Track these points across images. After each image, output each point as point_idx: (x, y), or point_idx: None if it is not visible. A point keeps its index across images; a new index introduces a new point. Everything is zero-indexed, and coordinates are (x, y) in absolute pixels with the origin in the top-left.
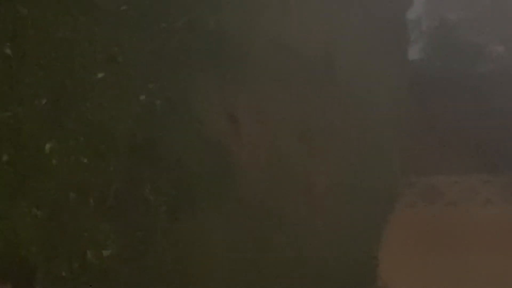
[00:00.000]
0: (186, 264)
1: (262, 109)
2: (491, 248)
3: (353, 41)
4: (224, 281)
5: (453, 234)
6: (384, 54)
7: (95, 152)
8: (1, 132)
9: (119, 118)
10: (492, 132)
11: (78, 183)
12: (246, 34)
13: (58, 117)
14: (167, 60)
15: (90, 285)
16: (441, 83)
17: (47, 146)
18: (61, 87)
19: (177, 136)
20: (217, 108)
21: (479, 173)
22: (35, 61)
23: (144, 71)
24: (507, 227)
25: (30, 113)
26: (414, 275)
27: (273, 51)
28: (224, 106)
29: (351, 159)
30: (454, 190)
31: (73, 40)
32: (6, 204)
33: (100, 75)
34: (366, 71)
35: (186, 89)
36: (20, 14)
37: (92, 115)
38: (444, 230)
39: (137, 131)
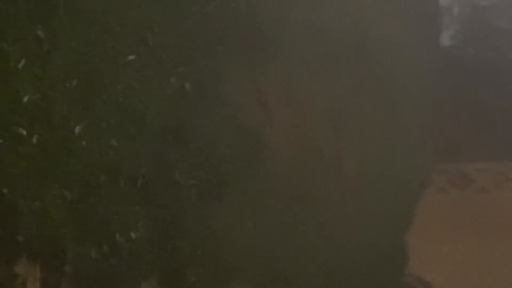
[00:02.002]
0: (215, 247)
1: (293, 93)
2: None
3: (385, 25)
4: (253, 264)
5: (482, 220)
6: (416, 39)
7: (125, 134)
8: (31, 114)
9: (149, 101)
10: None
11: (108, 166)
12: (277, 18)
13: (88, 99)
14: (198, 43)
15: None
16: (473, 69)
17: (77, 128)
18: (92, 70)
19: (207, 119)
20: (247, 92)
21: (509, 160)
22: (67, 43)
23: (175, 54)
24: None
25: (61, 95)
26: (444, 260)
27: (304, 35)
28: (255, 89)
29: (382, 144)
30: (484, 176)
31: (105, 23)
32: (37, 185)
33: (131, 57)
34: (398, 56)
35: (216, 73)
36: None
37: (122, 98)
38: (474, 217)
39: (167, 114)
